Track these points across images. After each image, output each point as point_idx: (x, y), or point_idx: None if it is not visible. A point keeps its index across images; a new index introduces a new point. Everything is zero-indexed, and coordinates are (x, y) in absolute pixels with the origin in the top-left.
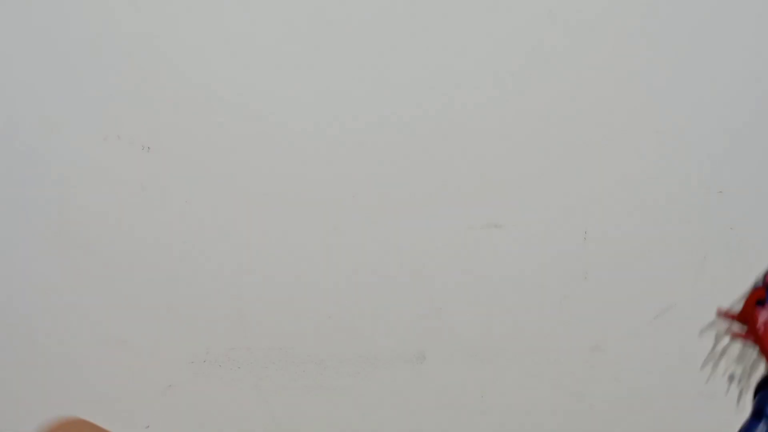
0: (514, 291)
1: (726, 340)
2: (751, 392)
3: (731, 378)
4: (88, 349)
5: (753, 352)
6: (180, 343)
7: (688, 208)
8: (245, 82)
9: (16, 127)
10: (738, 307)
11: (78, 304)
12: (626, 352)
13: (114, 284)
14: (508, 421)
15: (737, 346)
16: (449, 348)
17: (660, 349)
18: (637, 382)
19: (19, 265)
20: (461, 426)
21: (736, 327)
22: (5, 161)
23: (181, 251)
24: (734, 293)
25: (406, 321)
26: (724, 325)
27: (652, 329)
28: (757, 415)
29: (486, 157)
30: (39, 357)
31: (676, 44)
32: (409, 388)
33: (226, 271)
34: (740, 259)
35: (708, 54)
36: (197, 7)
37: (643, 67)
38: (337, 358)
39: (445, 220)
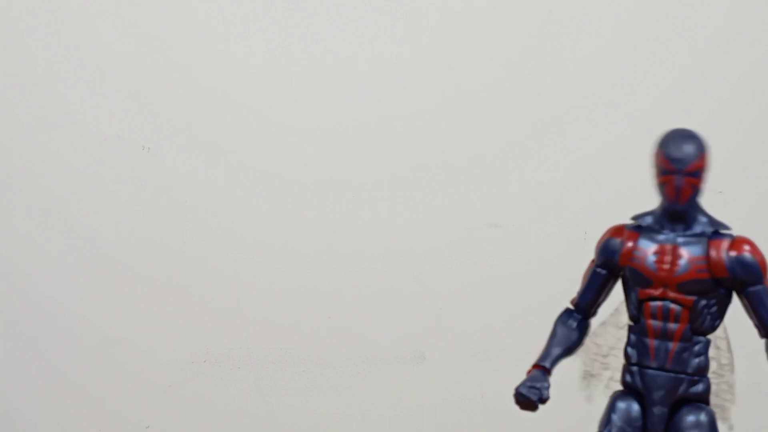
0: (513, 291)
1: None
2: None
3: None
4: (88, 350)
5: None
6: (180, 343)
7: None
8: (246, 83)
9: (17, 127)
10: None
11: (78, 304)
12: None
13: (114, 284)
14: (508, 420)
15: None
16: (449, 348)
17: None
18: None
19: (18, 265)
20: (461, 426)
21: None
22: (5, 161)
23: (181, 251)
24: None
25: (406, 321)
26: None
27: None
28: None
29: (486, 158)
30: (39, 357)
31: (676, 46)
32: (409, 388)
33: (226, 271)
34: None
35: (708, 54)
36: (197, 9)
37: (643, 68)
38: (337, 358)
39: (445, 220)
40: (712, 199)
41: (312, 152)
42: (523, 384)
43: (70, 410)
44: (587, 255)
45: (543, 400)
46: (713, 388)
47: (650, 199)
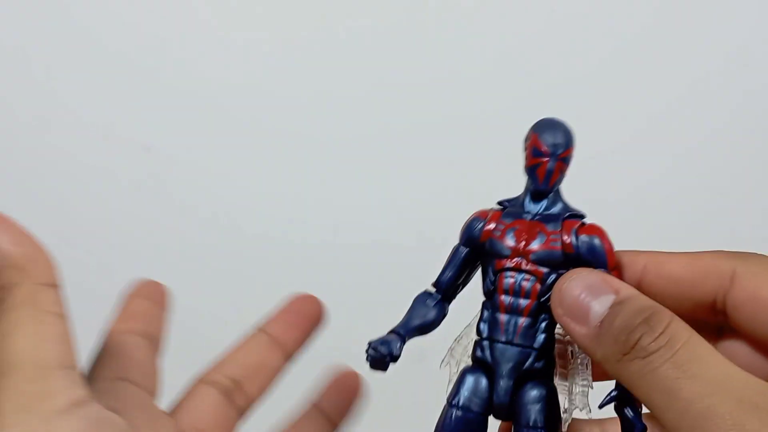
0: None
1: None
2: None
3: None
4: (88, 351)
5: None
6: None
7: (688, 209)
8: (248, 82)
9: (15, 127)
10: None
11: (77, 306)
12: None
13: (114, 285)
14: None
15: None
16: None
17: None
18: None
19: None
20: None
21: None
22: (3, 161)
23: (181, 252)
24: None
25: None
26: None
27: None
28: None
29: (486, 157)
30: None
31: (676, 44)
32: (410, 387)
33: (225, 271)
34: None
35: (708, 53)
36: (198, 7)
37: (642, 67)
38: (337, 358)
39: (445, 219)
40: (712, 201)
41: (313, 153)
42: (376, 341)
43: None
44: None
45: (393, 356)
46: (572, 370)
47: (650, 200)
